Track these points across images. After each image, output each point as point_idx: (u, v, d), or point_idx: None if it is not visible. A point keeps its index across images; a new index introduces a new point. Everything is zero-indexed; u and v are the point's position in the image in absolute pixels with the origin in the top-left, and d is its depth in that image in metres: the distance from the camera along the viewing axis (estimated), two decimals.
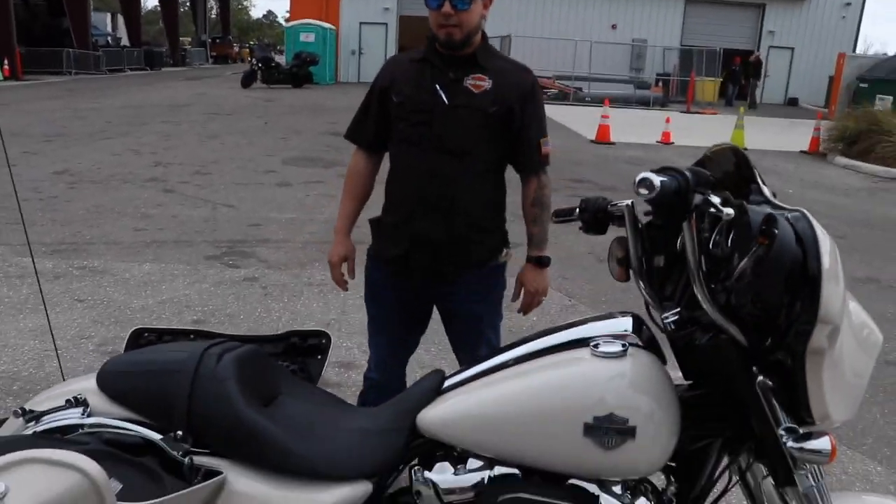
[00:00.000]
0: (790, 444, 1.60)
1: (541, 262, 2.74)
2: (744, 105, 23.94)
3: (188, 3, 56.23)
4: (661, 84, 30.00)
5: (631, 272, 1.91)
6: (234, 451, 1.79)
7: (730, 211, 1.54)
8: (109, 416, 1.84)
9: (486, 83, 2.57)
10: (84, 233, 6.91)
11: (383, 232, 2.74)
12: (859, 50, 35.83)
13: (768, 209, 1.59)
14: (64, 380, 2.16)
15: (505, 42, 29.39)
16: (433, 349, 4.26)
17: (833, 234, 5.70)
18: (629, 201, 1.95)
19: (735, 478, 1.93)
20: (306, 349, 2.23)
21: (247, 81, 26.71)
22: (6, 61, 26.78)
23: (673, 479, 1.85)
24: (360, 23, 33.10)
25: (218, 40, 55.51)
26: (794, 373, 1.57)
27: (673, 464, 1.84)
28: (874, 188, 12.27)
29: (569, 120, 19.60)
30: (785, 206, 1.65)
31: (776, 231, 1.46)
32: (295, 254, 6.50)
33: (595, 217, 2.07)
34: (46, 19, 35.93)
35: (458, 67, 2.58)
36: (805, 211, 1.60)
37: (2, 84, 24.94)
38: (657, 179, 1.56)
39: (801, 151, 16.12)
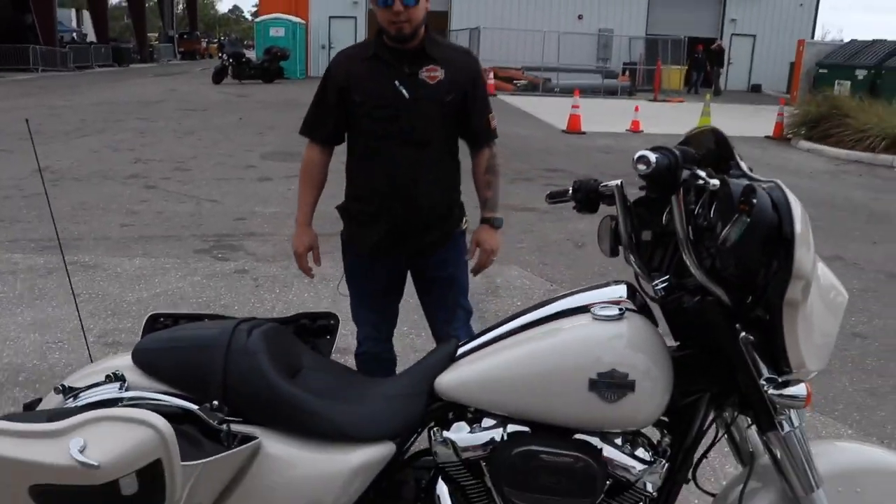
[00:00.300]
0: (771, 391, 1.80)
1: (494, 223, 3.05)
2: (709, 92, 24.33)
3: None
4: (628, 73, 30.34)
5: (620, 248, 2.11)
6: (267, 418, 1.96)
7: (715, 182, 1.75)
8: (147, 390, 1.99)
9: (440, 73, 2.80)
10: (72, 229, 6.99)
11: (357, 219, 2.96)
12: (818, 36, 36.54)
13: (746, 181, 1.79)
14: (91, 362, 2.29)
15: (474, 34, 29.56)
16: (423, 334, 4.44)
17: None
18: (618, 181, 2.14)
19: (722, 431, 2.14)
20: (316, 330, 2.39)
21: (218, 77, 26.61)
22: None
23: (666, 433, 2.05)
24: (330, 17, 33.08)
25: (186, 36, 55.07)
26: (772, 325, 1.77)
27: (666, 418, 2.04)
28: (836, 171, 12.63)
29: (539, 111, 19.84)
30: (761, 178, 1.86)
31: (755, 199, 1.66)
32: (282, 246, 6.63)
33: (587, 196, 2.25)
34: (10, 14, 35.46)
35: (411, 61, 2.78)
36: (779, 182, 1.81)
37: None
38: (653, 156, 1.76)
39: (766, 136, 16.50)
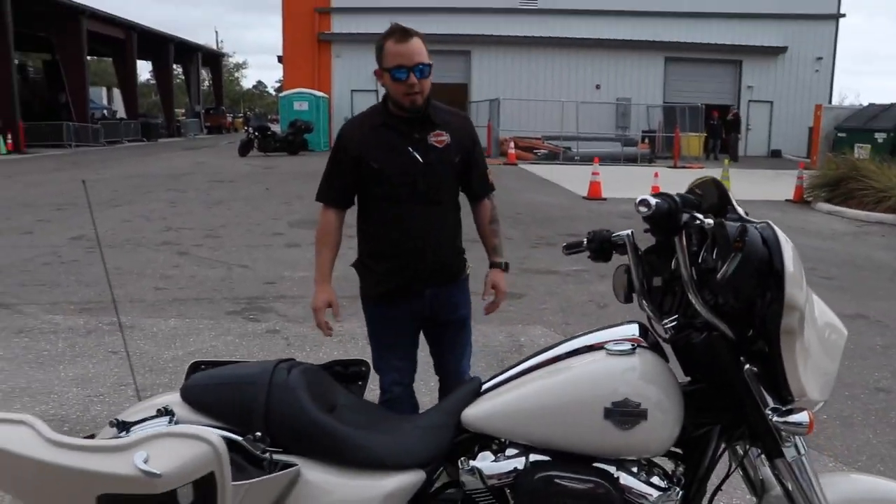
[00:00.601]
0: (775, 419, 1.94)
1: (504, 267, 3.34)
2: (727, 158, 24.58)
3: (182, 76, 57.42)
4: (647, 141, 30.73)
5: (634, 294, 2.28)
6: (307, 448, 2.12)
7: (710, 221, 1.92)
8: (195, 424, 2.16)
9: (446, 137, 3.08)
10: (108, 293, 7.21)
11: (376, 273, 3.16)
12: (835, 101, 36.93)
13: (741, 223, 1.97)
14: (139, 399, 2.46)
15: (493, 105, 30.18)
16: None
17: (821, 275, 6.19)
18: (629, 231, 2.32)
19: (735, 464, 2.27)
20: (348, 376, 2.54)
21: (244, 150, 27.29)
22: (9, 135, 27.42)
23: (680, 463, 2.18)
24: (352, 90, 33.92)
25: (211, 111, 56.48)
26: (772, 356, 1.92)
27: (679, 450, 2.17)
28: (857, 231, 12.72)
29: (560, 178, 20.14)
30: (755, 220, 2.03)
31: (747, 237, 1.83)
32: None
33: (601, 246, 2.43)
34: (46, 94, 36.82)
35: (419, 128, 3.04)
36: (770, 222, 1.98)
37: (5, 157, 25.51)
38: (653, 200, 1.95)
39: (787, 200, 16.63)
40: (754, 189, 18.31)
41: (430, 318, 3.23)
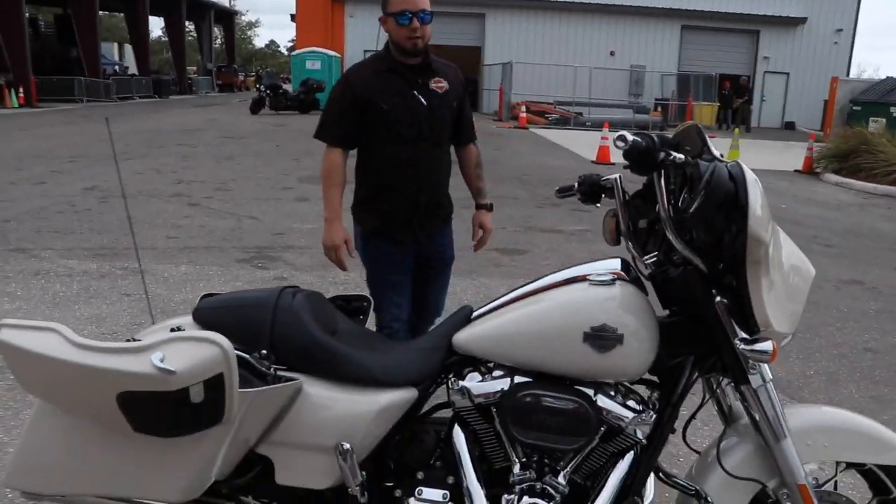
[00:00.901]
0: (742, 347, 2.09)
1: (489, 208, 3.67)
2: (738, 128, 24.54)
3: (194, 33, 57.26)
4: (659, 109, 30.63)
5: (622, 238, 2.42)
6: (308, 365, 2.29)
7: (681, 156, 2.06)
8: None
9: (444, 84, 3.32)
10: (121, 240, 7.43)
11: (383, 215, 3.35)
12: (853, 74, 36.55)
13: (713, 162, 2.11)
14: (154, 322, 2.63)
15: (507, 69, 30.08)
16: None
17: (823, 243, 6.36)
18: (617, 175, 2.46)
19: (708, 395, 2.43)
20: (350, 310, 2.71)
21: (255, 108, 27.34)
22: (21, 89, 27.54)
23: (655, 390, 2.34)
24: (364, 50, 33.76)
25: (223, 69, 56.43)
26: (739, 287, 2.07)
27: (656, 378, 2.34)
28: (864, 203, 12.78)
29: (570, 143, 20.19)
30: (727, 161, 2.16)
31: (714, 171, 1.98)
32: (319, 258, 6.93)
33: (590, 189, 2.57)
34: (57, 49, 36.81)
35: (421, 74, 3.27)
36: (741, 163, 2.11)
37: (18, 111, 25.66)
38: (630, 137, 2.09)
39: (795, 171, 16.67)
40: (763, 159, 18.32)
41: (423, 256, 3.47)
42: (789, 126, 34.22)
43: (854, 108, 24.06)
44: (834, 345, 5.45)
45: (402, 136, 3.25)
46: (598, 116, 27.08)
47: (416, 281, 3.53)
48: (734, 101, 30.10)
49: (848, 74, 34.08)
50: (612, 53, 33.90)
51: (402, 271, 3.42)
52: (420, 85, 3.26)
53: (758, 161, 17.32)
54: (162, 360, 1.83)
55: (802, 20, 34.12)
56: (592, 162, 16.24)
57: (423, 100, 3.25)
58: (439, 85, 3.30)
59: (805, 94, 34.55)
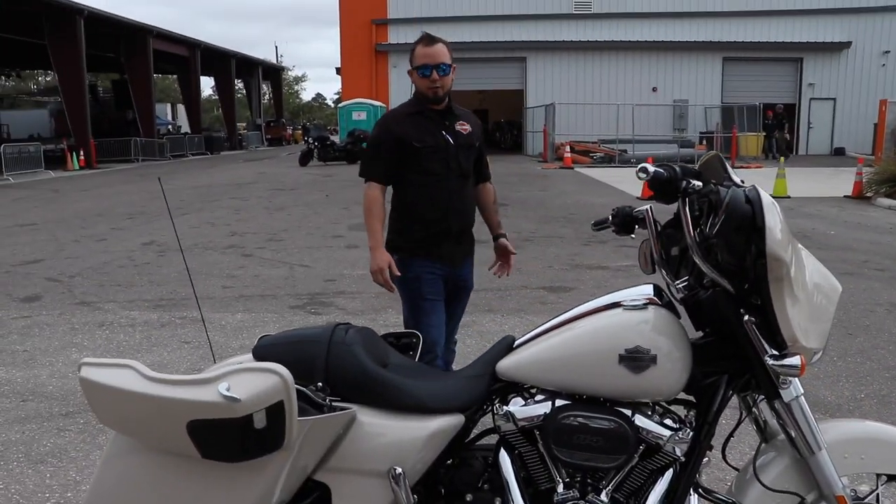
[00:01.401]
0: (771, 362, 2.19)
1: (507, 237, 4.03)
2: (782, 156, 24.33)
3: (243, 90, 58.90)
4: (704, 142, 30.52)
5: (655, 264, 2.55)
6: (362, 395, 2.43)
7: (699, 183, 2.19)
8: None
9: (468, 127, 3.76)
10: (179, 291, 7.73)
11: (415, 239, 3.71)
12: None
13: (732, 188, 2.23)
14: (215, 362, 2.80)
15: (549, 110, 30.35)
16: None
17: (874, 267, 6.37)
18: (648, 206, 2.59)
19: (745, 413, 2.52)
20: (401, 346, 2.86)
21: (304, 160, 27.98)
22: (82, 152, 28.67)
23: (692, 409, 2.43)
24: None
25: (272, 123, 57.78)
26: (764, 305, 2.17)
27: (692, 398, 2.43)
28: None
29: (615, 180, 20.25)
30: (745, 185, 2.28)
31: (730, 196, 2.11)
32: (370, 302, 7.21)
33: (624, 221, 2.71)
34: (114, 112, 38.29)
35: (449, 118, 3.71)
36: (757, 186, 2.23)
37: (79, 173, 26.68)
38: (651, 168, 2.23)
39: (845, 196, 16.48)
40: (811, 186, 18.18)
41: (450, 283, 3.81)
42: (839, 152, 33.73)
43: None
44: (886, 368, 5.42)
45: (434, 171, 3.65)
46: (642, 153, 27.04)
47: (450, 306, 3.86)
48: (775, 130, 29.90)
49: None
50: (654, 89, 33.98)
51: (438, 291, 3.74)
52: (447, 126, 3.69)
53: (806, 188, 17.21)
54: (228, 390, 2.00)
55: (846, 44, 33.83)
56: (637, 198, 16.25)
57: (450, 139, 3.67)
58: (463, 127, 3.74)
59: (854, 118, 34.10)
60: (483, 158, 3.93)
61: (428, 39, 3.64)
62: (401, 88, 34.20)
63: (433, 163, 3.65)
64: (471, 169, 3.81)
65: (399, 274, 3.67)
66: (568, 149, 27.29)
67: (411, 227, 3.73)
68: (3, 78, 56.04)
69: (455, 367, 3.86)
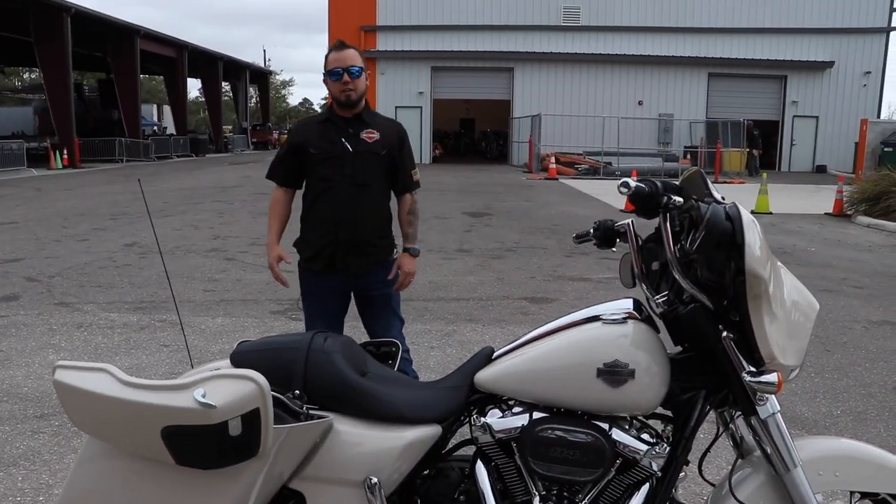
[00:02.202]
0: (748, 379, 2.20)
1: (413, 253, 3.94)
2: (766, 172, 24.55)
3: (230, 93, 58.73)
4: (689, 156, 30.72)
5: (636, 278, 2.55)
6: (339, 404, 2.42)
7: (680, 199, 2.21)
8: None
9: (375, 135, 3.76)
10: (159, 293, 7.69)
11: (311, 245, 3.78)
12: (884, 115, 36.44)
13: (712, 204, 2.24)
14: (192, 367, 2.78)
15: (535, 121, 30.46)
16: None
17: (853, 284, 6.42)
18: (629, 220, 2.60)
19: (722, 428, 2.53)
20: (380, 355, 2.86)
21: None
22: (66, 151, 28.50)
23: (669, 424, 2.44)
24: (396, 106, 34.48)
25: (258, 127, 57.63)
26: (742, 321, 2.18)
27: (669, 413, 2.44)
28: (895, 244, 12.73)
29: (599, 193, 20.35)
30: (725, 202, 2.29)
31: (710, 212, 2.13)
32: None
33: (605, 234, 2.72)
34: (99, 111, 38.08)
35: (354, 125, 3.73)
36: (738, 203, 2.24)
37: (62, 172, 26.50)
38: (633, 183, 2.24)
39: (826, 213, 16.63)
40: (793, 203, 18.33)
41: (359, 294, 3.88)
42: (820, 169, 34.11)
43: (885, 149, 23.98)
44: (862, 384, 5.46)
45: (327, 177, 3.70)
46: (627, 166, 27.22)
47: (362, 315, 3.97)
48: (758, 146, 30.16)
49: (879, 116, 34.03)
50: (640, 103, 34.23)
51: (329, 303, 3.83)
52: (350, 134, 3.72)
53: (788, 205, 17.36)
54: (203, 396, 1.98)
55: (829, 64, 34.25)
56: (621, 211, 16.32)
57: (349, 146, 3.70)
58: (370, 135, 3.75)
59: (835, 136, 34.51)
60: (401, 169, 3.89)
61: (339, 45, 3.71)
62: (388, 95, 34.31)
63: (327, 169, 3.70)
64: (375, 178, 3.78)
65: (289, 261, 3.86)
66: (553, 160, 27.39)
67: (308, 232, 3.82)
68: None
69: (433, 376, 3.86)
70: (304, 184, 3.86)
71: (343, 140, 3.70)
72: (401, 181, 3.92)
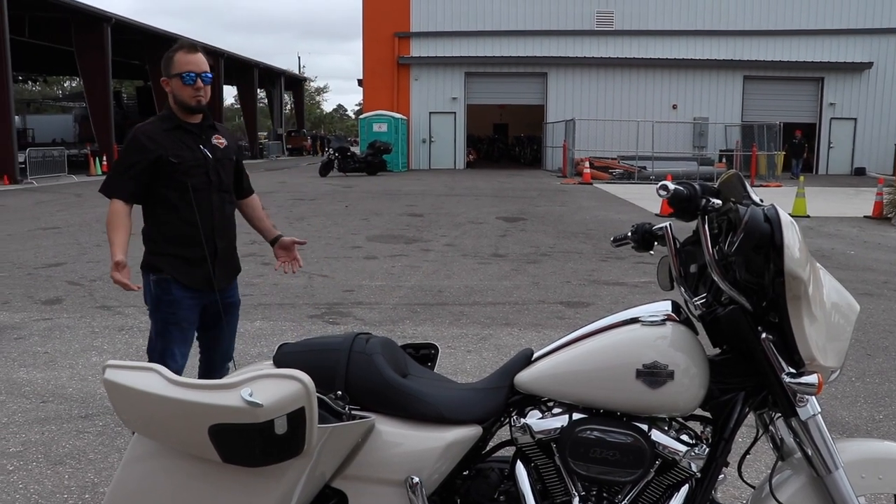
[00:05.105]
0: (788, 380, 2.20)
1: (283, 237, 3.92)
2: (803, 176, 24.25)
3: (265, 100, 59.34)
4: (724, 160, 30.44)
5: (674, 281, 2.56)
6: (380, 404, 2.46)
7: (719, 201, 2.22)
8: None
9: (224, 140, 3.70)
10: None
11: (182, 261, 3.54)
12: None
13: (751, 206, 2.25)
14: (236, 368, 2.84)
15: (569, 125, 30.39)
16: None
17: (894, 288, 6.28)
18: (668, 223, 2.61)
19: (762, 430, 2.53)
20: (419, 357, 2.89)
21: (324, 170, 28.12)
22: (105, 157, 29.03)
23: (708, 425, 2.44)
24: (430, 112, 34.63)
25: (293, 133, 58.14)
26: (782, 323, 2.19)
27: (708, 414, 2.44)
28: None
29: (634, 197, 20.24)
30: (763, 204, 2.30)
31: (749, 214, 2.14)
32: (388, 313, 7.25)
33: (643, 238, 2.73)
34: (137, 118, 38.67)
35: (204, 132, 3.62)
36: (776, 205, 2.24)
37: (102, 177, 26.86)
38: (672, 185, 2.26)
39: (865, 216, 16.39)
40: (831, 206, 18.09)
41: (213, 304, 3.65)
42: (859, 172, 33.57)
43: None
44: None
45: (193, 186, 3.52)
46: (662, 170, 27.02)
47: (212, 328, 3.76)
48: (804, 150, 29.79)
49: None
50: (674, 107, 34.00)
51: (191, 322, 3.65)
52: (204, 140, 3.60)
53: (826, 208, 17.14)
54: (250, 395, 2.04)
55: (868, 65, 33.74)
56: (656, 215, 16.24)
57: (208, 153, 3.59)
58: (219, 141, 3.66)
59: (874, 138, 33.99)
60: (243, 172, 3.89)
61: (190, 47, 3.53)
62: (422, 100, 34.45)
63: (193, 178, 3.52)
64: (230, 184, 3.73)
65: (134, 287, 3.45)
66: (587, 164, 27.30)
67: (174, 249, 3.54)
68: (29, 83, 56.70)
69: (469, 380, 3.86)
70: (146, 200, 3.56)
71: (201, 147, 3.57)
72: (245, 183, 3.92)
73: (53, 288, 8.47)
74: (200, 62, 3.49)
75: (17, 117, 30.82)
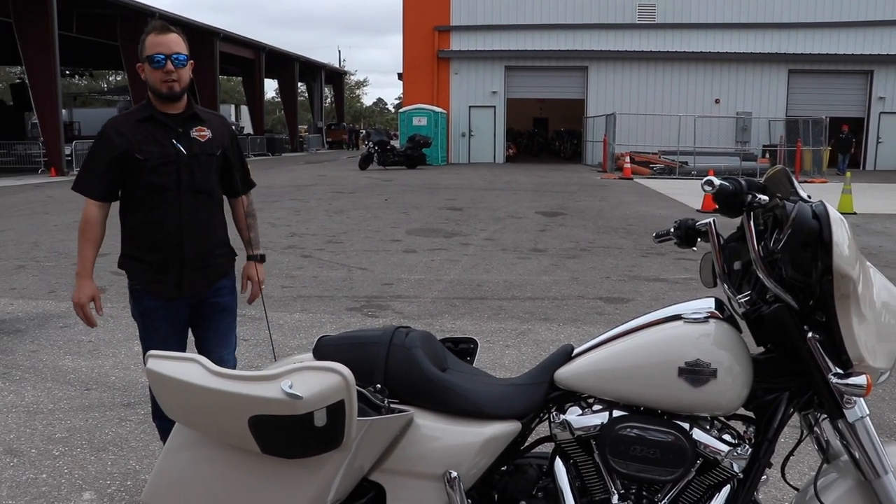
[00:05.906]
0: (835, 381, 2.15)
1: (261, 259, 3.62)
2: (850, 171, 23.77)
3: (305, 93, 59.74)
4: (768, 155, 29.98)
5: (718, 279, 2.52)
6: (419, 398, 2.46)
7: (765, 197, 2.17)
8: None
9: (207, 133, 3.30)
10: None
11: (151, 265, 3.27)
12: None
13: (799, 202, 2.20)
14: (276, 360, 2.85)
15: (610, 120, 30.15)
16: None
17: None
18: (712, 219, 2.57)
19: (806, 431, 2.48)
20: (458, 352, 2.88)
21: (364, 164, 28.24)
22: None
23: (751, 425, 2.40)
24: (470, 106, 34.57)
25: (333, 127, 58.47)
26: (830, 322, 2.14)
27: (752, 414, 2.40)
28: None
29: (675, 192, 20.02)
30: (812, 200, 2.25)
31: (797, 211, 2.09)
32: (426, 307, 7.26)
33: (686, 234, 2.69)
34: None
35: (182, 122, 3.24)
36: (824, 202, 2.19)
37: None
38: (717, 181, 2.22)
39: None
40: (879, 203, 17.71)
41: (200, 308, 3.38)
42: None
43: None
44: None
45: (161, 186, 3.20)
46: (703, 165, 26.69)
47: (196, 328, 3.44)
48: (852, 146, 29.20)
49: None
50: (717, 101, 33.54)
51: (173, 327, 3.33)
52: (180, 133, 3.23)
53: (873, 205, 16.79)
54: (291, 387, 2.04)
55: None
56: (698, 210, 16.05)
57: (182, 148, 3.21)
58: (201, 133, 3.28)
59: None
60: (235, 168, 3.46)
61: (161, 27, 3.21)
62: (462, 94, 34.42)
63: (160, 177, 3.19)
64: (212, 183, 3.33)
65: (101, 313, 3.38)
66: (628, 159, 27.07)
67: (140, 251, 3.30)
68: (76, 77, 57.69)
69: (508, 375, 3.84)
70: (120, 195, 3.31)
71: (174, 142, 3.20)
72: (237, 182, 3.50)
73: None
74: (172, 42, 3.17)
75: (63, 111, 31.35)
